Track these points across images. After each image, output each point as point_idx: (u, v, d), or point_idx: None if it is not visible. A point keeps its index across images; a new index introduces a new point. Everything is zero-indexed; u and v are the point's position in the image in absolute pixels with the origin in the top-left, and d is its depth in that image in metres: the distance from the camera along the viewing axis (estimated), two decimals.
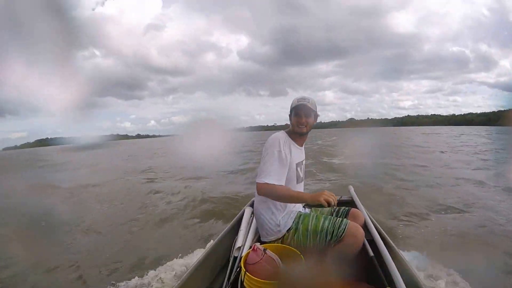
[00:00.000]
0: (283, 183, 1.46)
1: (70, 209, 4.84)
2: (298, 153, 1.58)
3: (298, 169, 1.58)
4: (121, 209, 4.74)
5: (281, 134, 1.55)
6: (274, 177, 1.42)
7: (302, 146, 1.64)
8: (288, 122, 1.62)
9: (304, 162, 1.65)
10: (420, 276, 2.04)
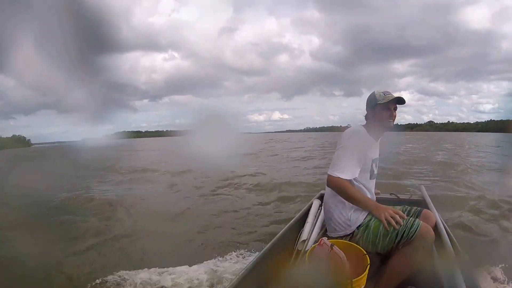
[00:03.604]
0: (355, 177, 1.42)
1: None
2: (374, 149, 1.51)
3: (373, 164, 1.50)
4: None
5: (361, 128, 1.49)
6: (348, 173, 1.38)
7: (378, 141, 1.56)
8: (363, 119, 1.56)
9: (378, 159, 1.57)
10: None
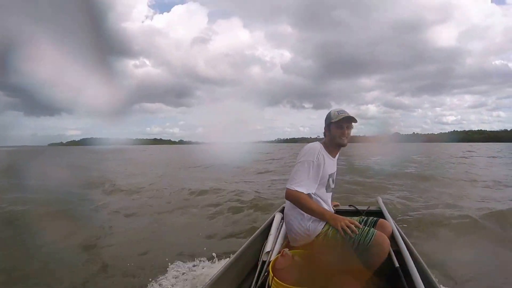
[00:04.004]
0: (312, 192, 1.50)
1: None
2: (331, 164, 1.60)
3: (330, 179, 1.59)
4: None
5: (317, 145, 1.57)
6: (305, 186, 1.45)
7: (335, 157, 1.65)
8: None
9: (335, 173, 1.67)
10: None
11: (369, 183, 6.82)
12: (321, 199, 1.57)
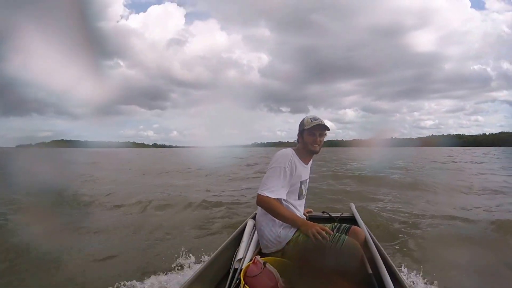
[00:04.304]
0: (283, 198, 1.51)
1: None
2: (303, 171, 1.61)
3: (302, 186, 1.60)
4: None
5: (289, 151, 1.58)
6: (275, 192, 1.46)
7: (308, 164, 1.67)
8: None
9: (308, 180, 1.68)
10: None
11: (343, 189, 6.89)
12: (292, 206, 1.58)
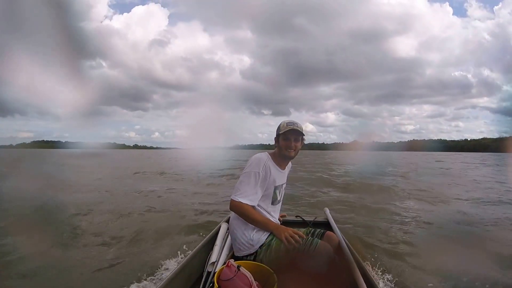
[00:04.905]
0: (255, 204, 1.51)
1: None
2: (279, 176, 1.61)
3: (277, 191, 1.61)
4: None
5: (264, 156, 1.57)
6: (248, 197, 1.47)
7: (284, 169, 1.67)
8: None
9: (284, 185, 1.69)
10: None
11: (318, 194, 6.70)
12: (265, 211, 1.58)
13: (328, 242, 1.51)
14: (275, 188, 1.58)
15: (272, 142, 1.65)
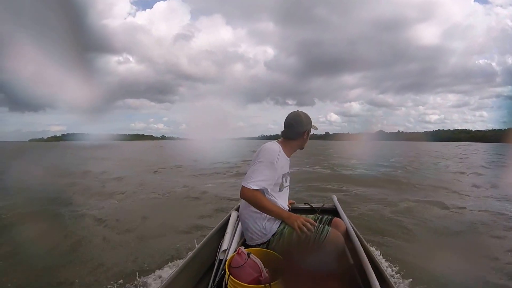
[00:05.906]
0: (267, 193, 1.53)
1: None
2: (286, 164, 1.64)
3: (283, 179, 1.63)
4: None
5: (276, 147, 1.59)
6: (261, 185, 1.47)
7: (289, 157, 1.71)
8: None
9: (289, 171, 1.72)
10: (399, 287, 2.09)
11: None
12: (274, 197, 1.59)
13: (335, 229, 1.53)
14: (283, 176, 1.61)
15: None
